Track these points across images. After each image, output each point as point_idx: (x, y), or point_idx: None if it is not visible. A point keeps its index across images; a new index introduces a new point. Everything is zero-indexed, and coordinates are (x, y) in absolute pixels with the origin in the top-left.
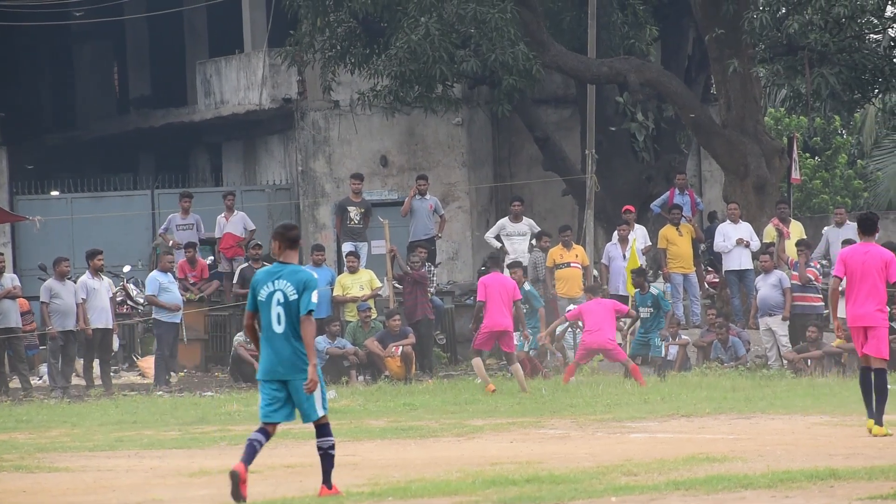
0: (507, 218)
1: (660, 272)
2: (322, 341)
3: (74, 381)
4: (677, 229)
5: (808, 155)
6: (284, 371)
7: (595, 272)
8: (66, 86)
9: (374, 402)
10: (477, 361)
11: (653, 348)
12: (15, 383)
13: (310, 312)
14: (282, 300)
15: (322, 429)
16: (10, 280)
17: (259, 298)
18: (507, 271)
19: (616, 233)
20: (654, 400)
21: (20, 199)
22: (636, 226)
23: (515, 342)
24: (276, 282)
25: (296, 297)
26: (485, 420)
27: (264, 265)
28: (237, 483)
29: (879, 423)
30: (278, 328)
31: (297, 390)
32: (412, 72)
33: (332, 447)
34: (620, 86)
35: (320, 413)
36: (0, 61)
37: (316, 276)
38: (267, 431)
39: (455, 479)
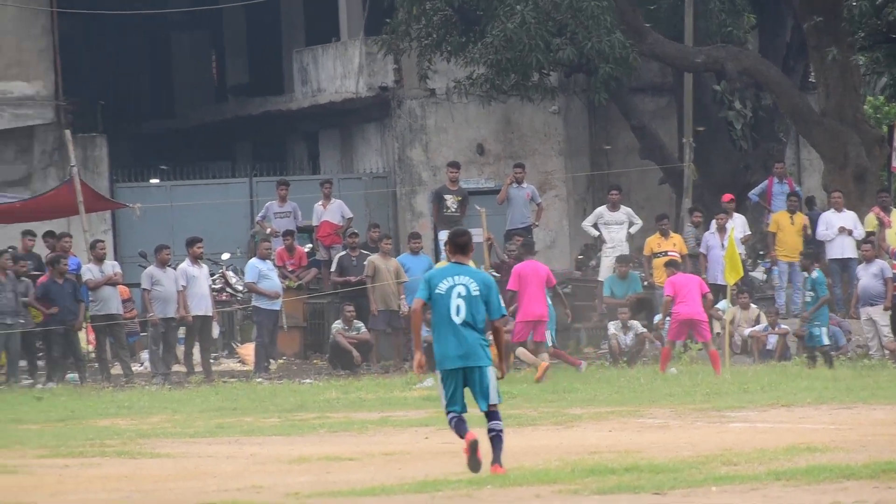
0: (604, 206)
1: (759, 259)
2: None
3: (175, 367)
4: (791, 217)
5: None
6: (476, 358)
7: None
8: (165, 74)
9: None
10: (521, 350)
11: (813, 337)
12: (117, 370)
13: (503, 316)
14: (463, 293)
15: (493, 414)
16: (112, 267)
17: (437, 291)
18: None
19: (714, 221)
20: (753, 389)
21: (120, 186)
22: (734, 214)
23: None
24: (457, 277)
25: (478, 293)
26: (583, 409)
27: (362, 253)
28: (475, 451)
29: None
30: (457, 318)
31: (484, 376)
32: (508, 60)
33: (502, 430)
34: (718, 74)
35: (497, 399)
36: (100, 50)
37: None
38: (456, 418)
39: (554, 468)
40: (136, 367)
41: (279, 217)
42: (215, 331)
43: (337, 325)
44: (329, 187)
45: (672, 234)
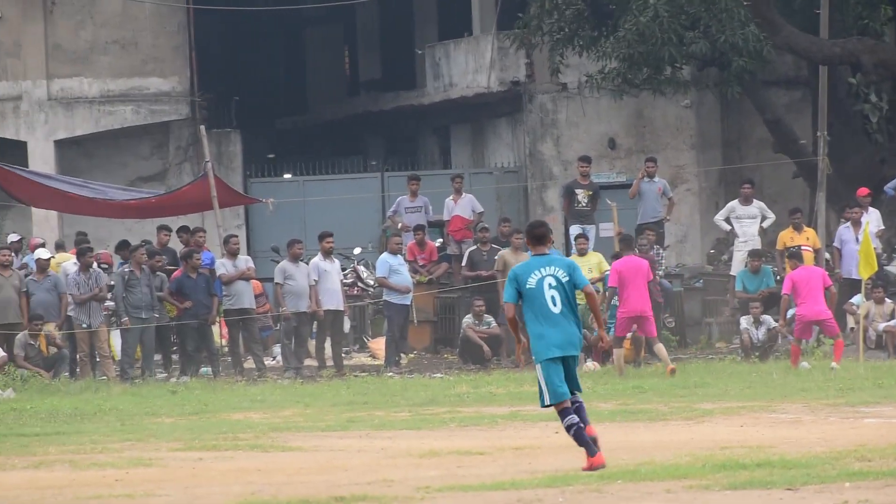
0: (736, 200)
1: (894, 254)
2: None
3: (307, 362)
4: None
5: None
6: (575, 347)
7: (827, 255)
8: (298, 70)
9: (603, 385)
10: (618, 352)
11: None
12: (249, 364)
13: (587, 285)
14: (554, 283)
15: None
16: (245, 262)
17: (528, 287)
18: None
19: (848, 216)
20: (888, 384)
21: (253, 181)
22: (870, 209)
23: None
24: (544, 269)
25: (567, 278)
26: (714, 404)
27: (493, 247)
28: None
29: None
30: (555, 309)
31: (576, 364)
32: (640, 54)
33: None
34: (853, 67)
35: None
36: (234, 47)
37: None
38: (569, 408)
39: (684, 463)
40: (268, 362)
41: (410, 212)
42: (347, 325)
43: (467, 319)
44: (460, 182)
45: (805, 228)
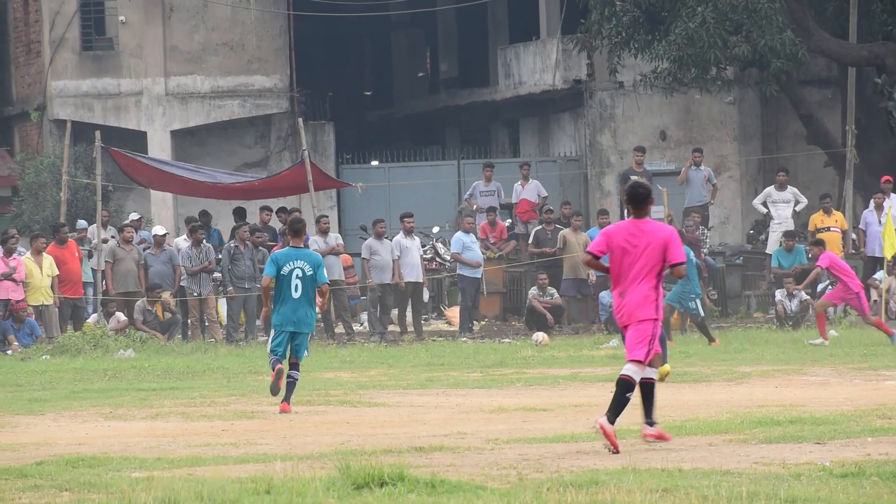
0: (772, 186)
1: None
2: (605, 295)
3: (390, 327)
4: None
5: None
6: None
7: (853, 236)
8: (384, 69)
9: None
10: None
11: None
12: (340, 329)
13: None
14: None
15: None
16: (335, 239)
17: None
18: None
19: (872, 200)
20: None
21: (344, 167)
22: (892, 195)
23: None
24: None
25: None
26: (752, 367)
27: (556, 227)
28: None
29: None
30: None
31: None
32: (689, 56)
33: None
34: (878, 68)
35: None
36: (329, 48)
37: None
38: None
39: (725, 420)
40: (356, 327)
41: (484, 195)
42: (426, 295)
43: (533, 290)
44: (527, 169)
45: (834, 211)
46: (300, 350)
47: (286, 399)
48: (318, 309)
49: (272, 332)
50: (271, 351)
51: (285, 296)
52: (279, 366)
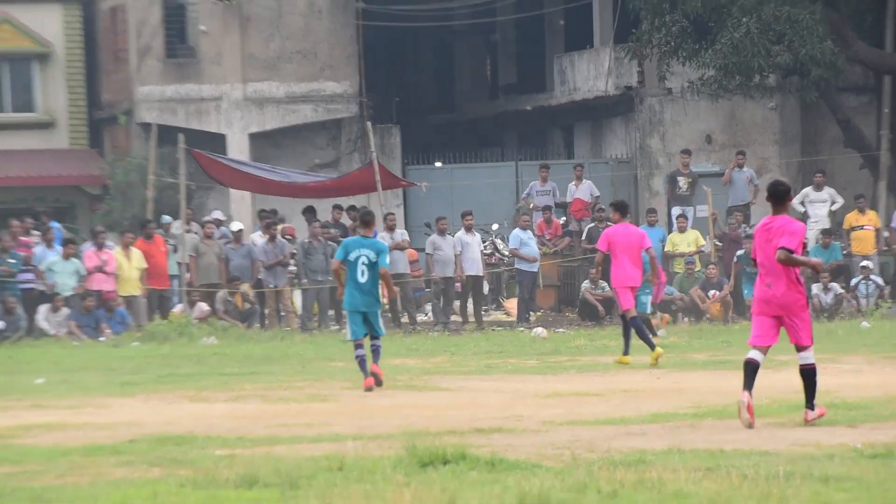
0: (810, 187)
1: None
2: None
3: (452, 318)
4: None
5: None
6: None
7: (885, 233)
8: (448, 75)
9: (697, 340)
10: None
11: None
12: (405, 319)
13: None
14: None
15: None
16: (400, 234)
17: None
18: (815, 235)
19: None
20: None
21: (410, 168)
22: None
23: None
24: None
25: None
26: (789, 356)
27: (607, 225)
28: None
29: None
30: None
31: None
32: (734, 64)
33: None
34: None
35: None
36: (396, 56)
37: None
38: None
39: (764, 405)
40: (420, 317)
41: (540, 195)
42: (486, 288)
43: (585, 284)
44: (581, 170)
45: (868, 210)
46: (376, 328)
47: (375, 361)
48: (384, 299)
49: (347, 319)
50: (355, 345)
51: (353, 280)
52: (364, 357)
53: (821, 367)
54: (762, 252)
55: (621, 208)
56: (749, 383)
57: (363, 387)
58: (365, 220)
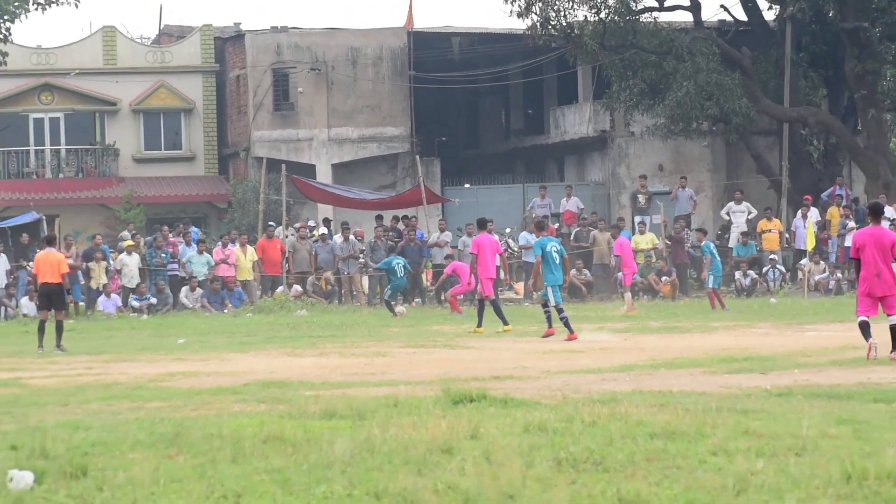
0: (733, 202)
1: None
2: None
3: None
4: (840, 209)
5: None
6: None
7: (787, 235)
8: (473, 122)
9: (654, 312)
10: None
11: None
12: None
13: None
14: None
15: None
16: (445, 235)
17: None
18: (737, 236)
19: (799, 212)
20: (822, 311)
21: (446, 188)
22: (811, 208)
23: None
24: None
25: None
26: (719, 322)
27: (588, 229)
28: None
29: None
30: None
31: None
32: (678, 115)
33: None
34: (803, 124)
35: None
36: (438, 108)
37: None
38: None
39: (700, 358)
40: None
41: (541, 207)
42: (501, 274)
43: (573, 272)
44: (570, 190)
45: (774, 219)
46: (557, 298)
47: (551, 324)
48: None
49: (550, 291)
50: (557, 308)
51: (551, 265)
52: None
53: (740, 331)
54: (870, 251)
55: (482, 225)
56: (867, 335)
57: (566, 339)
58: (541, 225)
